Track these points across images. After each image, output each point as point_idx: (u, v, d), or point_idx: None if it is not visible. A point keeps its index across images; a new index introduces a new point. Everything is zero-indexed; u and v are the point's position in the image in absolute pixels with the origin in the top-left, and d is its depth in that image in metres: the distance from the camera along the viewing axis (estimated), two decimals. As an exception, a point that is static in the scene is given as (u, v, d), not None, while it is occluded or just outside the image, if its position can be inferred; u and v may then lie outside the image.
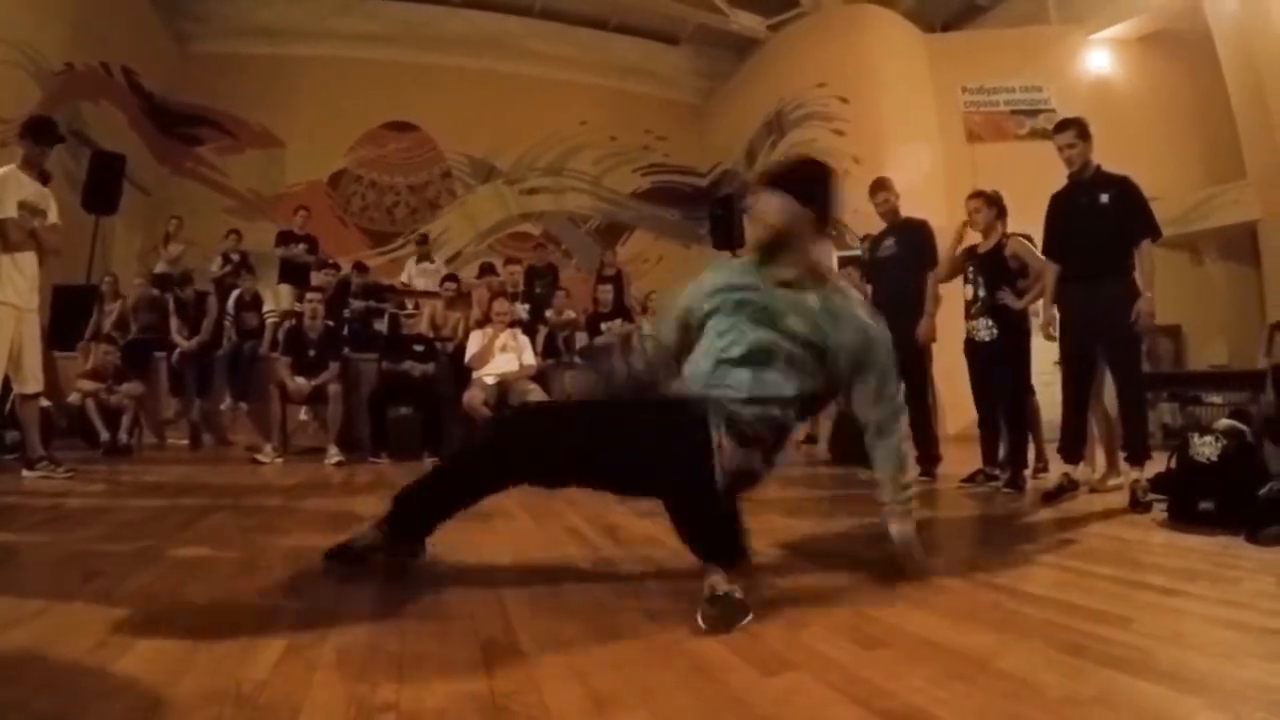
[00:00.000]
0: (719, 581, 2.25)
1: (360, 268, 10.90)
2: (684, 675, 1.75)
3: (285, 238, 11.08)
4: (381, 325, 9.64)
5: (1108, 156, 4.94)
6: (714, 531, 2.43)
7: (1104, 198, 4.76)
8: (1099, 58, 13.22)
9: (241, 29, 15.27)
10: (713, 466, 2.40)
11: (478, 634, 2.03)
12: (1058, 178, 5.10)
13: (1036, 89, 13.01)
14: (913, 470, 2.93)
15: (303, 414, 8.30)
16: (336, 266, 10.35)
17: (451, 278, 9.73)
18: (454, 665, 1.81)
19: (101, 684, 1.66)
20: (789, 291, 2.68)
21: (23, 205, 5.04)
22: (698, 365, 2.67)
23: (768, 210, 2.69)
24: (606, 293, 9.53)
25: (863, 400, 2.79)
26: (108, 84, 13.05)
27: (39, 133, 5.22)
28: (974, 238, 5.70)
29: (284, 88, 15.17)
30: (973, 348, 5.57)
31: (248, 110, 15.25)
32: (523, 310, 8.77)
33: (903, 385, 5.73)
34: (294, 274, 10.85)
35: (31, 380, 5.18)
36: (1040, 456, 6.01)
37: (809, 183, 2.76)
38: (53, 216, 5.33)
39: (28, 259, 5.11)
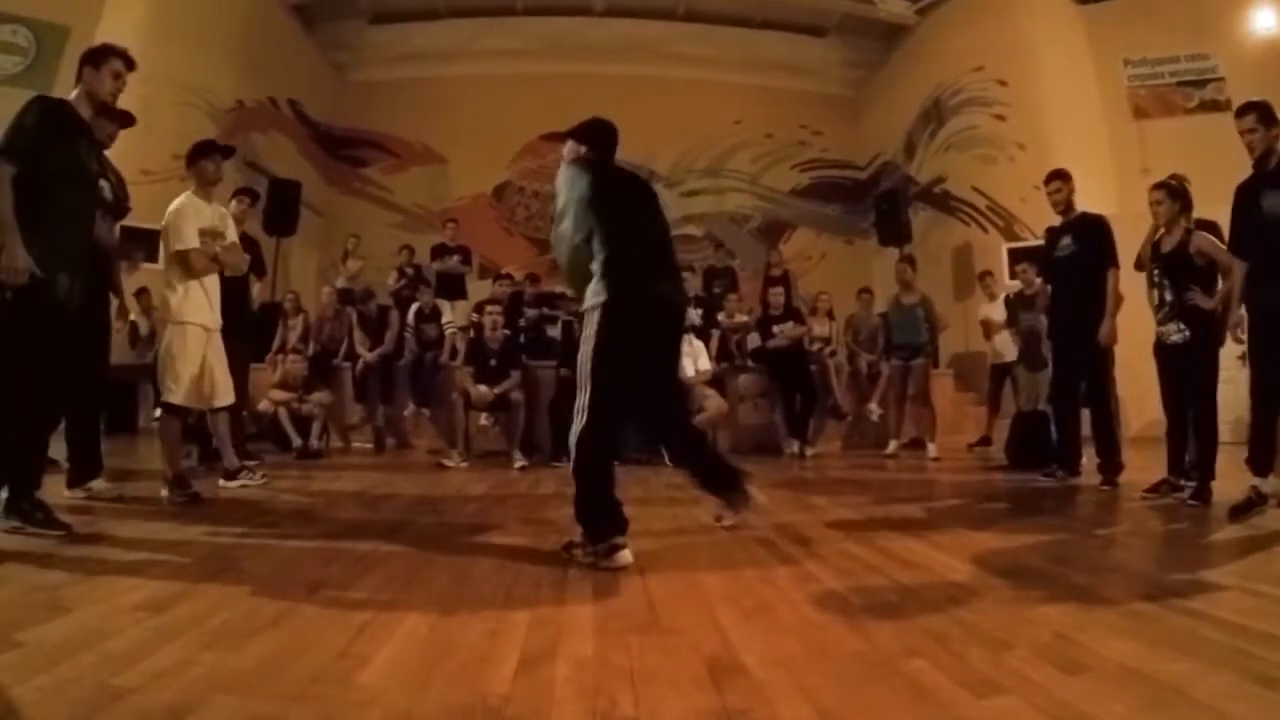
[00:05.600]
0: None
1: (533, 278, 11.21)
2: (903, 695, 1.83)
3: (439, 251, 11.49)
4: (555, 332, 9.91)
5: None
6: None
7: None
8: (1266, 17, 12.22)
9: (394, 56, 15.94)
10: None
11: (698, 649, 2.15)
12: (1230, 154, 4.83)
13: (1203, 57, 12.06)
14: None
15: (483, 419, 8.59)
16: (510, 277, 10.63)
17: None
18: (682, 681, 1.93)
19: (350, 696, 1.83)
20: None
21: (203, 233, 5.22)
22: None
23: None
24: (777, 294, 9.45)
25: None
26: (276, 116, 14.09)
27: (202, 151, 5.40)
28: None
29: (441, 107, 15.74)
30: (1163, 351, 5.30)
31: (408, 131, 15.98)
32: (696, 315, 8.83)
33: (1084, 384, 5.66)
34: (450, 286, 11.21)
35: (223, 394, 5.35)
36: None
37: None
38: (231, 236, 5.50)
39: (211, 280, 5.34)
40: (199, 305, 5.16)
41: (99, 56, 4.20)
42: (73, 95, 4.15)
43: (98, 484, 4.92)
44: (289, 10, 14.34)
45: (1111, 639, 2.22)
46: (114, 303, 5.25)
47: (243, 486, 5.43)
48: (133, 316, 9.63)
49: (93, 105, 4.16)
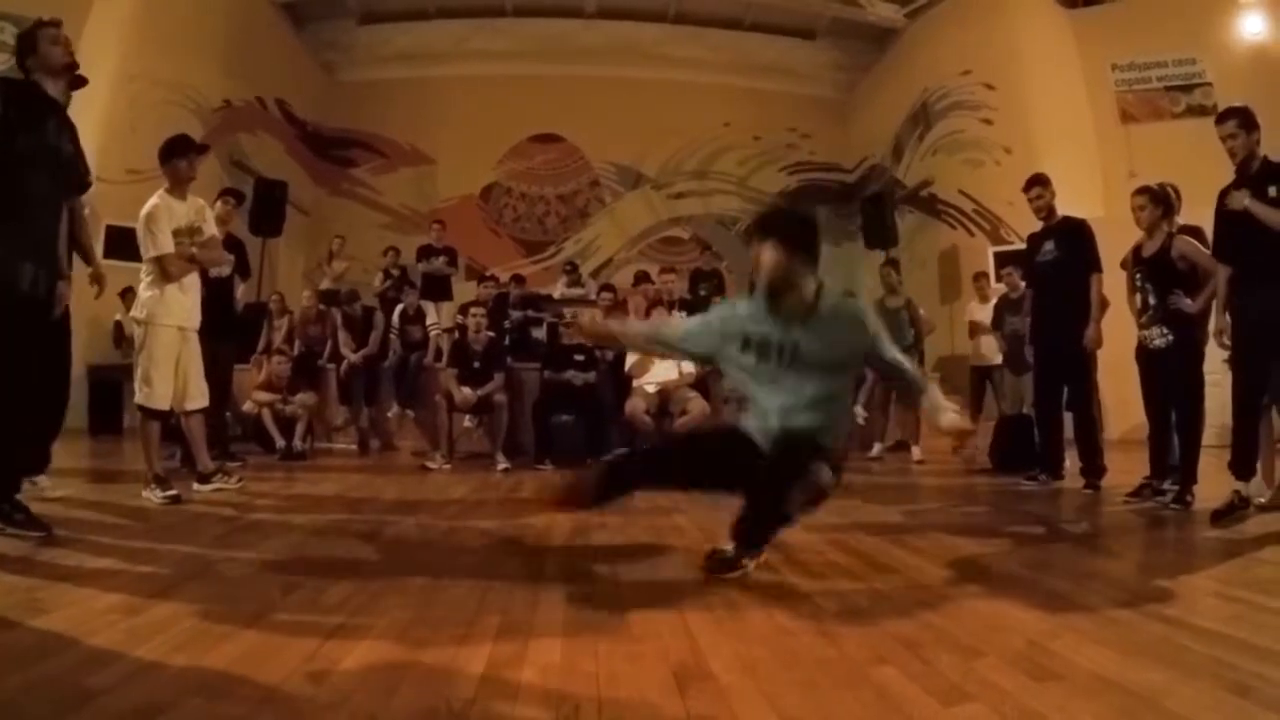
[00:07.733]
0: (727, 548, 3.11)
1: (518, 279, 11.20)
2: (869, 703, 1.83)
3: (425, 251, 11.54)
4: (540, 334, 9.94)
5: (1272, 134, 4.65)
6: (767, 530, 3.15)
7: (1273, 191, 4.41)
8: (1254, 22, 12.17)
9: (384, 55, 16.00)
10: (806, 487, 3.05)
11: (666, 656, 2.15)
12: (1217, 158, 4.81)
13: (1190, 61, 12.01)
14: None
15: (466, 421, 8.60)
16: (495, 279, 10.66)
17: (608, 287, 9.93)
18: (648, 687, 1.93)
19: (318, 699, 1.83)
20: (800, 325, 3.21)
21: (178, 233, 5.07)
22: (763, 414, 3.27)
23: (766, 263, 3.17)
24: (760, 297, 9.35)
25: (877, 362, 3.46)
26: (263, 116, 14.18)
27: (176, 149, 5.23)
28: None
29: (430, 108, 15.78)
30: (1146, 355, 5.31)
31: (397, 131, 16.04)
32: (680, 318, 8.84)
33: (1066, 389, 5.68)
34: (436, 287, 11.28)
35: (197, 396, 5.28)
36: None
37: (796, 229, 3.32)
38: (209, 230, 5.37)
39: (191, 279, 5.25)
40: (175, 306, 5.07)
41: (29, 40, 4.08)
42: None
43: (42, 480, 4.80)
44: (277, 9, 14.40)
45: (1085, 647, 2.22)
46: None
47: (216, 490, 5.32)
48: (118, 316, 9.70)
49: (53, 75, 4.04)
